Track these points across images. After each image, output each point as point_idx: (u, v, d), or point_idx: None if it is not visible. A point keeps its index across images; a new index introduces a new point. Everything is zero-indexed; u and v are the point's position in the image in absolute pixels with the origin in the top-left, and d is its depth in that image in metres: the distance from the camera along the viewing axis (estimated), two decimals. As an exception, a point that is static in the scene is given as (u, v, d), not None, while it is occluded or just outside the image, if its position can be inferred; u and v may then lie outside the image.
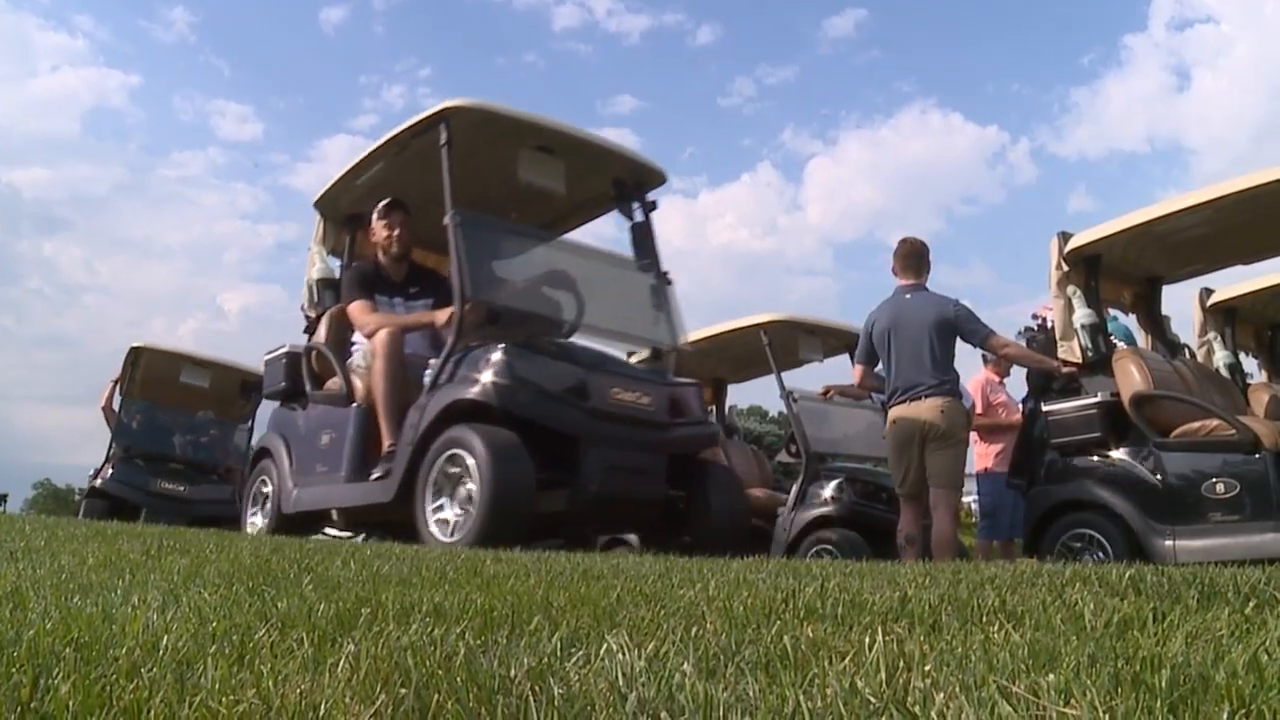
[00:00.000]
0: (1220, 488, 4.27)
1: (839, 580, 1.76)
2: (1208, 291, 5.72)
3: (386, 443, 4.35)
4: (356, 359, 4.72)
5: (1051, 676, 0.82)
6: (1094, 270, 4.97)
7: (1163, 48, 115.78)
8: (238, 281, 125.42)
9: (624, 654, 0.99)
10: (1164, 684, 0.79)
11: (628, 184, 4.99)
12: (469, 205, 4.51)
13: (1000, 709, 0.72)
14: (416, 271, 5.03)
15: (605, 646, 1.04)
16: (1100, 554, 4.47)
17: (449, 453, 3.90)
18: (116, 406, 10.59)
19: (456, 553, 3.06)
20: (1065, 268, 4.98)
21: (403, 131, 4.69)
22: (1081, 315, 4.88)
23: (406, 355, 4.53)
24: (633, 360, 5.65)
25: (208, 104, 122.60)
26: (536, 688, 0.83)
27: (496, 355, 4.02)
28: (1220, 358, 5.56)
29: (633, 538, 5.69)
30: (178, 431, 10.84)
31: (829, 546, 5.67)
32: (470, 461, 3.77)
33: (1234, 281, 5.74)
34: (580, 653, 1.02)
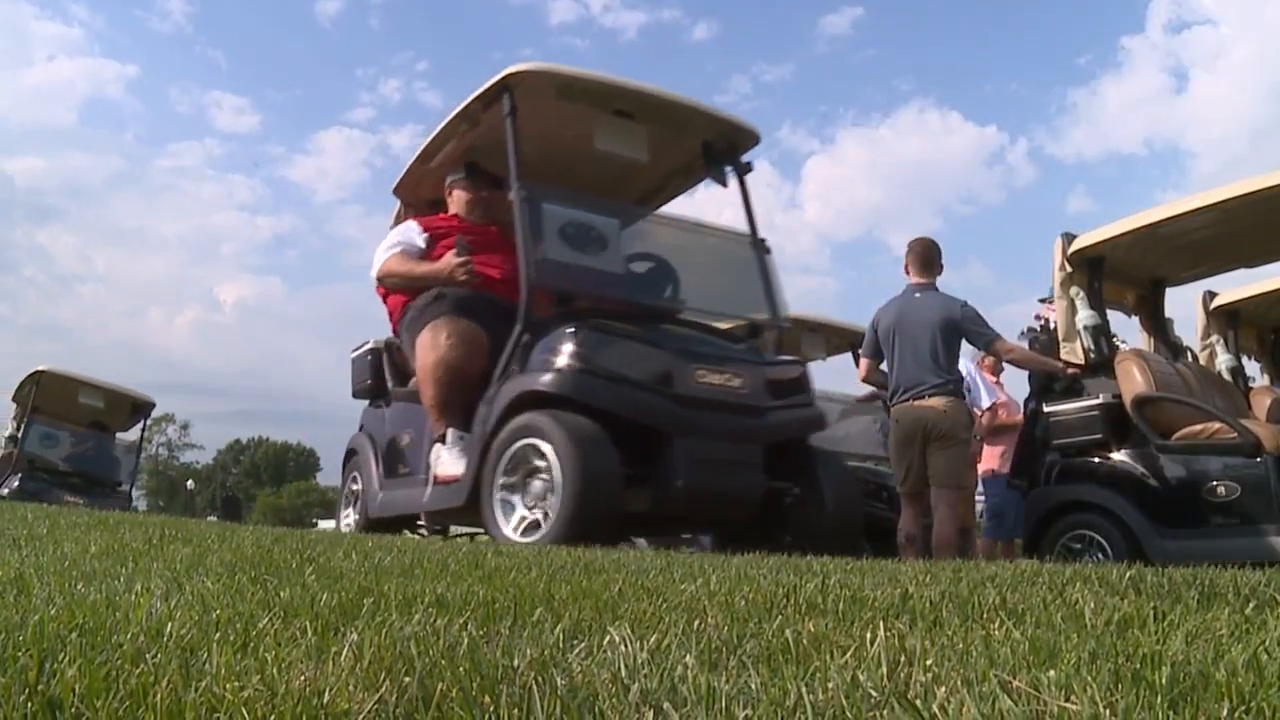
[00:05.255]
0: (1221, 490, 4.28)
1: (840, 577, 1.77)
2: (1211, 294, 5.72)
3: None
4: None
5: (1052, 672, 0.83)
6: (1097, 272, 4.98)
7: (1160, 49, 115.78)
8: (235, 273, 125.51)
9: (626, 646, 0.99)
10: (1164, 681, 0.79)
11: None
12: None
13: (1001, 703, 0.72)
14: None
15: (608, 638, 1.04)
16: (1100, 555, 4.47)
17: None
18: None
19: (458, 546, 3.06)
20: (1069, 269, 4.98)
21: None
22: (1084, 316, 4.89)
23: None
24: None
25: (205, 95, 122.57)
26: (540, 678, 0.83)
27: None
28: (1222, 361, 5.56)
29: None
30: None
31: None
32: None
33: (1237, 285, 5.74)
34: (583, 644, 1.02)
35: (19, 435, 11.45)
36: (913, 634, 1.10)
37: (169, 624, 1.09)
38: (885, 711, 0.73)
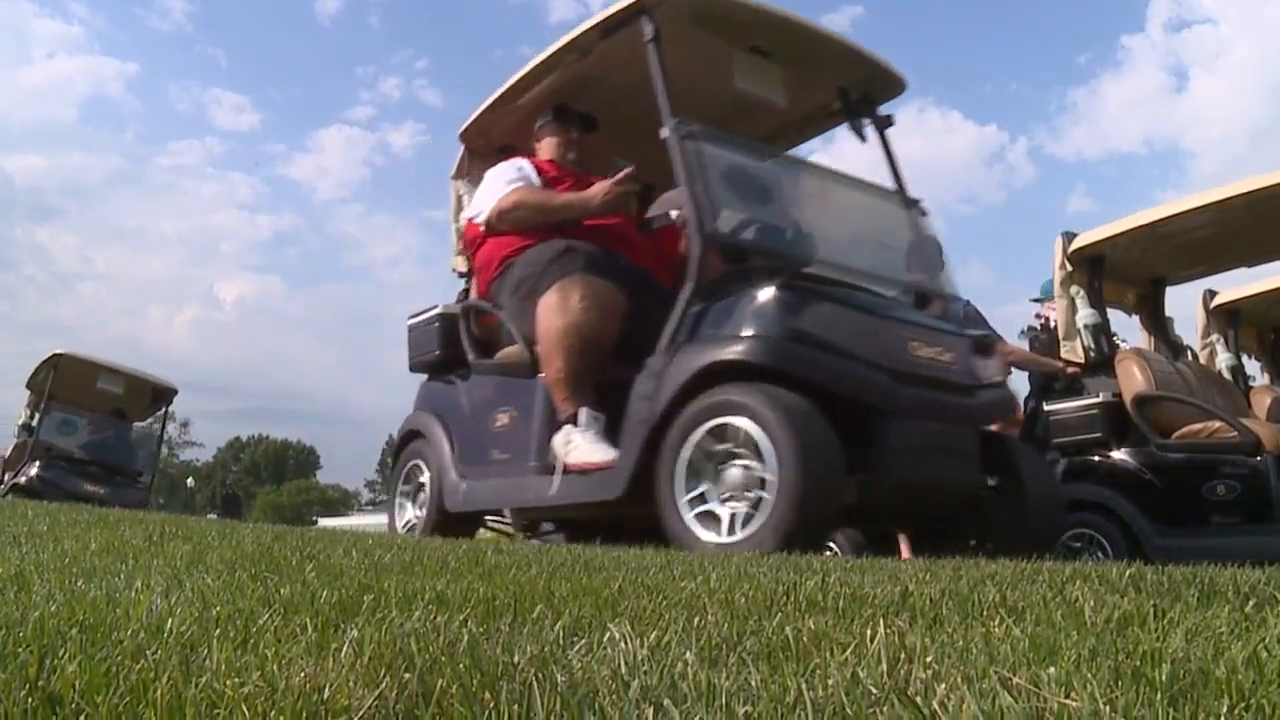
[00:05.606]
0: (1221, 489, 4.28)
1: (840, 575, 1.77)
2: (1211, 293, 5.73)
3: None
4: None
5: (1052, 669, 0.83)
6: (1098, 270, 4.98)
7: (1160, 48, 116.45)
8: (235, 271, 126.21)
9: (626, 643, 0.99)
10: (1164, 678, 0.79)
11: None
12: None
13: (1001, 700, 0.72)
14: None
15: (608, 635, 1.04)
16: (1100, 554, 4.48)
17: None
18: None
19: (458, 543, 3.06)
20: (1069, 268, 4.99)
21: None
22: (1085, 315, 4.89)
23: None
24: None
25: (204, 93, 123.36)
26: (540, 674, 0.83)
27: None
28: (1223, 360, 5.56)
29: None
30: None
31: (829, 543, 5.68)
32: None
33: (1238, 284, 5.74)
34: (583, 641, 1.02)
35: (32, 423, 11.01)
36: (913, 631, 1.10)
37: (169, 620, 1.10)
38: (885, 708, 0.73)
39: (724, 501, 2.99)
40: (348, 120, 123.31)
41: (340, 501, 72.07)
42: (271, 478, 76.78)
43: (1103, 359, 4.80)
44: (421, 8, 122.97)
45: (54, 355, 11.07)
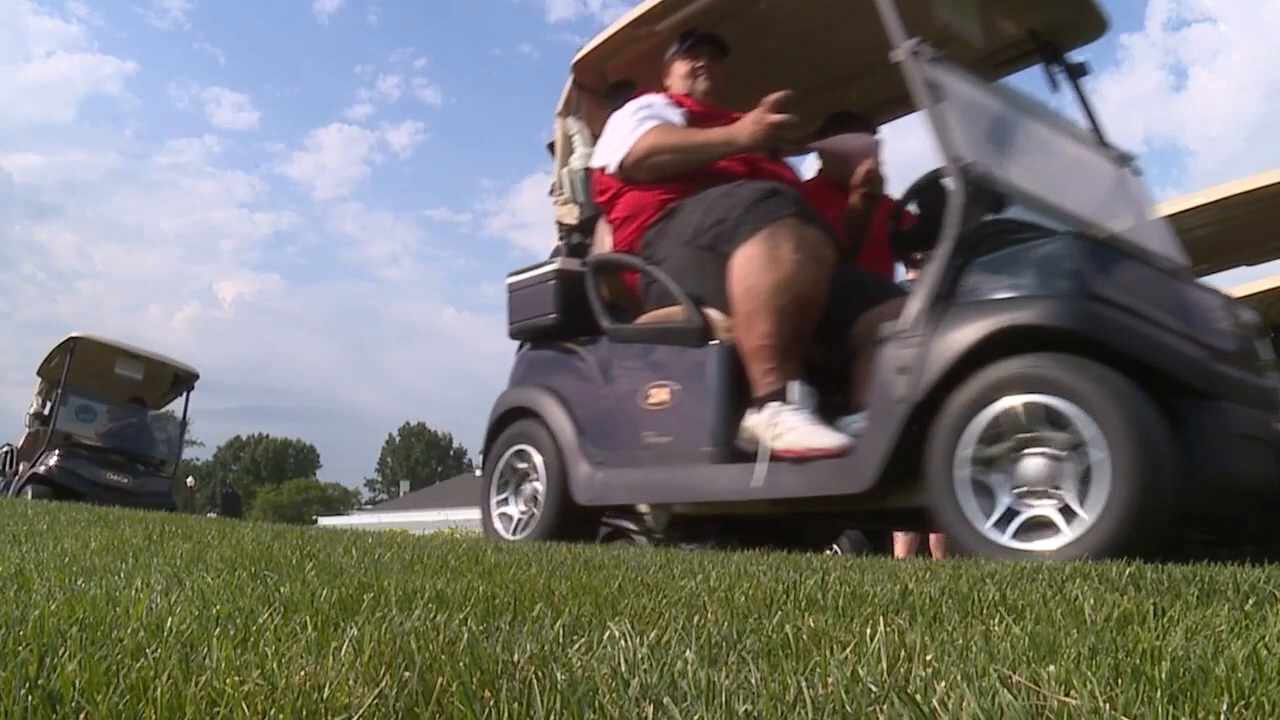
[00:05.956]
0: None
1: (840, 573, 1.77)
2: (1211, 292, 5.72)
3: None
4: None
5: (1052, 667, 0.83)
6: (1098, 269, 4.97)
7: (1159, 47, 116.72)
8: (234, 270, 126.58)
9: (626, 641, 0.99)
10: (1164, 675, 0.80)
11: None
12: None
13: (1001, 697, 0.72)
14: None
15: (608, 633, 1.04)
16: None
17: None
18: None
19: (457, 542, 3.06)
20: (1069, 266, 4.97)
21: None
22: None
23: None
24: None
25: (203, 92, 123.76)
26: (540, 672, 0.83)
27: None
28: (1222, 358, 5.55)
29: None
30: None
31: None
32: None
33: (1238, 283, 5.75)
34: (582, 639, 1.02)
35: (44, 411, 10.54)
36: (913, 630, 1.10)
37: (169, 619, 1.10)
38: (885, 706, 0.73)
39: (1039, 499, 2.39)
40: (347, 119, 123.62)
41: (340, 500, 72.19)
42: (271, 477, 76.84)
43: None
44: (420, 6, 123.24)
45: (70, 339, 10.56)
